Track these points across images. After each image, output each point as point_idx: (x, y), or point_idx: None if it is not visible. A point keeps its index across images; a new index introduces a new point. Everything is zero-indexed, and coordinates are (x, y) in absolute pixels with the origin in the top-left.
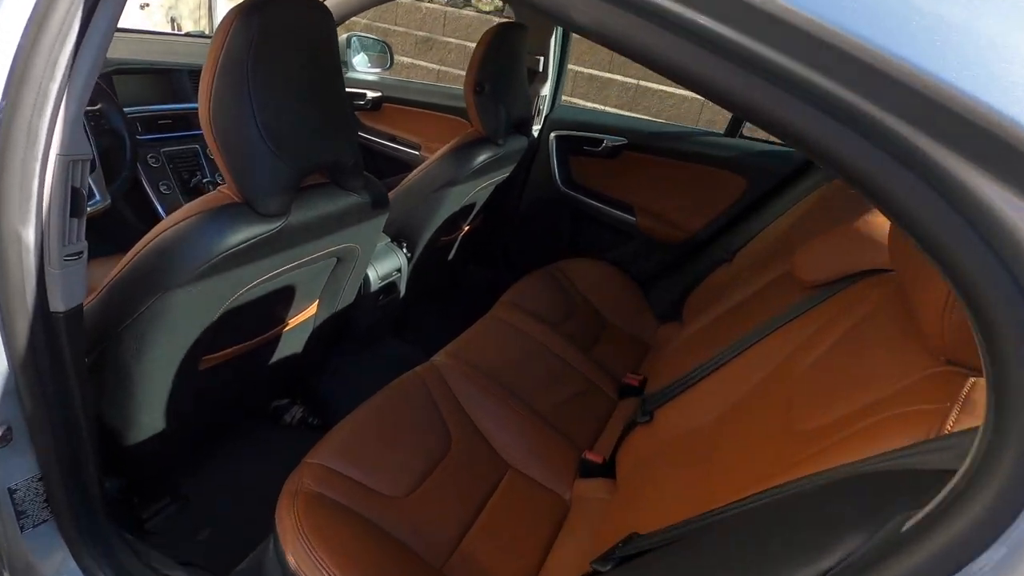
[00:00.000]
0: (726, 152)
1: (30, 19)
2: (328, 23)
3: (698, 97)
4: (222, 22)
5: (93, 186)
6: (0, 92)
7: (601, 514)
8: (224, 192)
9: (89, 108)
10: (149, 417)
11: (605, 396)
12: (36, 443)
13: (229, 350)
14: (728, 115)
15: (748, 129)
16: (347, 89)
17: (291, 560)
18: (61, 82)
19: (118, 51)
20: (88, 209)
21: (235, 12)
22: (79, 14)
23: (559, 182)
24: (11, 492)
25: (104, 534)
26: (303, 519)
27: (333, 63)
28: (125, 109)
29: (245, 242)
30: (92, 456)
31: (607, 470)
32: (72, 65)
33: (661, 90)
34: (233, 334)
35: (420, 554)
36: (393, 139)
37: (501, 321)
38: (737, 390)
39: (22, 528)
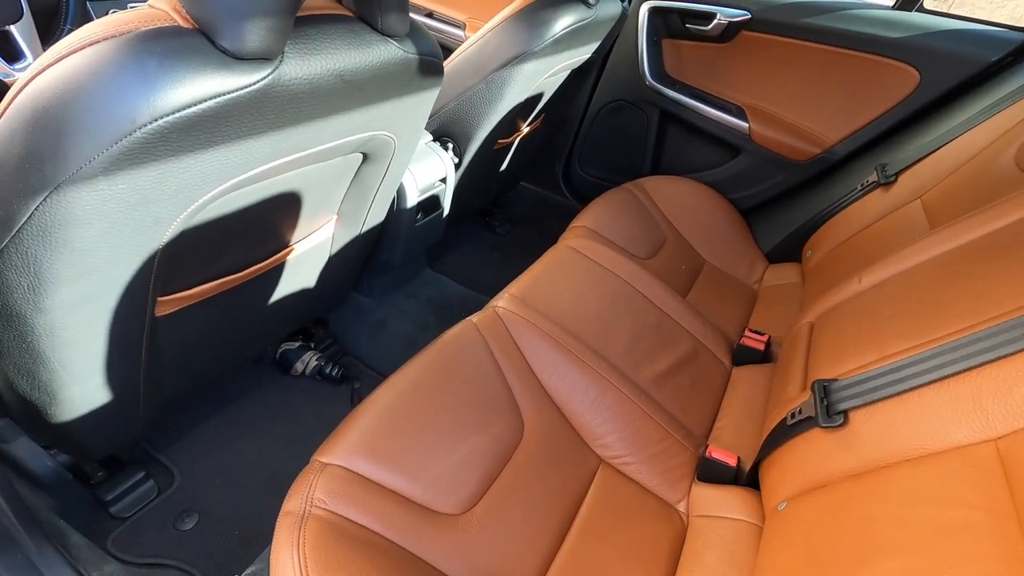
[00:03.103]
0: (893, 32)
1: None
2: None
3: None
4: None
5: (21, 42)
6: None
7: (741, 551)
8: (158, 10)
9: None
10: (80, 388)
11: (717, 362)
12: None
13: (202, 287)
14: None
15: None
16: None
17: None
18: None
19: None
20: (15, 75)
21: None
22: None
23: (647, 74)
24: None
25: (17, 546)
26: (312, 562)
27: None
28: None
29: (199, 103)
30: None
31: (740, 477)
32: None
33: None
34: (206, 263)
35: None
36: (431, 15)
37: (575, 253)
38: None
39: None
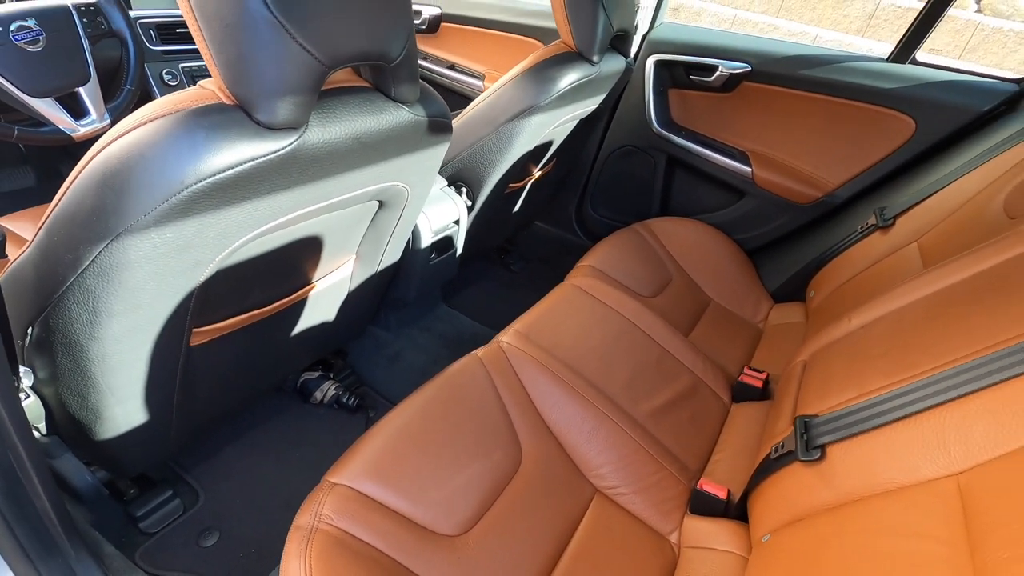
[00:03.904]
0: (889, 83)
1: None
2: None
3: (810, 30)
4: None
5: (87, 101)
6: None
7: None
8: (207, 90)
9: (82, 2)
10: (123, 409)
11: (716, 398)
12: None
13: (231, 320)
14: (897, 34)
15: (926, 51)
16: None
17: None
18: None
19: None
20: (81, 130)
21: None
22: None
23: (654, 121)
24: None
25: (59, 552)
26: (317, 572)
27: None
28: (137, 12)
29: (236, 166)
30: (30, 464)
31: (730, 509)
32: None
33: (764, 21)
34: (235, 298)
35: None
36: (452, 67)
37: (580, 291)
38: (1000, 441)
39: None
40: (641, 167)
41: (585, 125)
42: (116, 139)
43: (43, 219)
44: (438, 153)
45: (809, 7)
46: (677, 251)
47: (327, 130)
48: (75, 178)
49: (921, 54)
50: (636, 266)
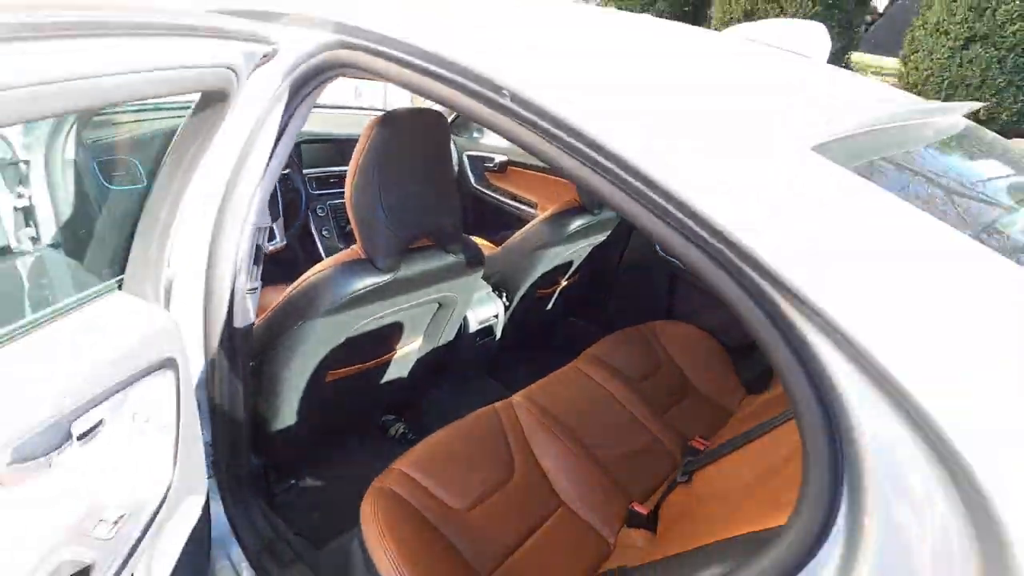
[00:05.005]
0: None
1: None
2: (442, 127)
3: None
4: (365, 128)
5: (276, 230)
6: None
7: (636, 563)
8: (355, 250)
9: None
10: (288, 415)
11: (669, 455)
12: (211, 418)
13: (350, 368)
14: None
15: None
16: (478, 153)
17: (367, 544)
18: (257, 182)
19: (308, 125)
20: (269, 248)
21: (374, 122)
22: (271, 143)
23: (658, 247)
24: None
25: (244, 499)
26: (380, 512)
27: (444, 155)
28: (306, 171)
29: (363, 289)
30: (243, 437)
31: (650, 522)
32: (265, 170)
33: None
34: (353, 355)
35: (469, 561)
36: (514, 198)
37: (580, 373)
38: (768, 457)
39: None
40: (650, 280)
41: (602, 249)
42: (313, 275)
43: (276, 304)
44: (476, 276)
45: None
46: (671, 347)
47: (409, 270)
48: (292, 291)
49: None
50: (629, 355)
